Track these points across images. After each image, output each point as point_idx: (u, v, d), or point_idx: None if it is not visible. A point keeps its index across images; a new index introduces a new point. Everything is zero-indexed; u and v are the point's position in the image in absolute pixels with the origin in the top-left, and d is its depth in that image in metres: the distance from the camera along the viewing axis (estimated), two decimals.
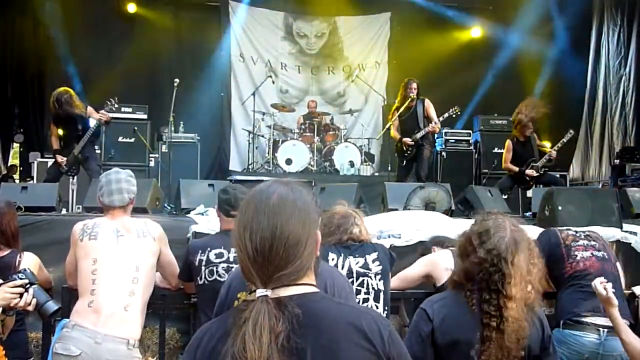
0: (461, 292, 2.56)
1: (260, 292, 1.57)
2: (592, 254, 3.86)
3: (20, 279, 2.88)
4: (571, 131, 8.69)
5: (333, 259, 3.46)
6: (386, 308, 3.53)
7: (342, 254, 3.48)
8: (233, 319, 1.57)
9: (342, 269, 3.44)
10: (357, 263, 3.48)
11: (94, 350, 3.34)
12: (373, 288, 3.48)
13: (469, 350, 2.47)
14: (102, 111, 7.66)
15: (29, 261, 3.91)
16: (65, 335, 3.39)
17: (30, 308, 2.90)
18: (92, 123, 7.64)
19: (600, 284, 3.21)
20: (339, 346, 1.57)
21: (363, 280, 3.47)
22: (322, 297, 1.68)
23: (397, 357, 1.63)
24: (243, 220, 1.64)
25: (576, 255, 3.85)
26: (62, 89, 7.63)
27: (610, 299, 3.16)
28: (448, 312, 2.54)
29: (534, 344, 2.52)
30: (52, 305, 2.94)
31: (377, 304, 3.48)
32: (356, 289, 3.44)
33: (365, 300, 3.46)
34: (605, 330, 3.57)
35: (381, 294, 3.50)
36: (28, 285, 2.89)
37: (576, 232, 4.03)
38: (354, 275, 3.46)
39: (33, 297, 2.89)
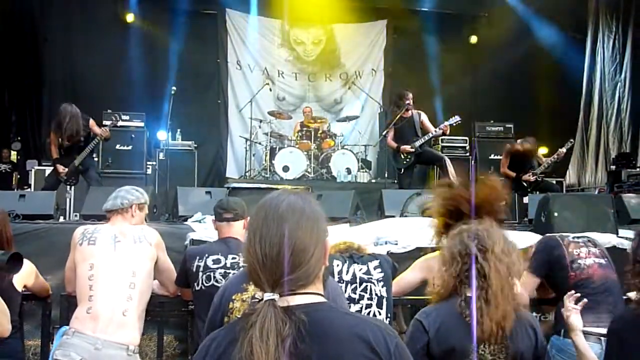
0: (454, 301, 2.59)
1: (268, 296, 1.59)
2: (594, 261, 3.81)
3: None
4: (571, 140, 8.76)
5: (338, 265, 3.49)
6: (389, 315, 3.55)
7: (347, 261, 3.52)
8: (240, 324, 1.59)
9: (346, 274, 3.48)
10: (360, 270, 3.52)
11: (94, 357, 3.37)
12: (376, 294, 3.50)
13: (463, 359, 2.50)
14: (104, 128, 7.70)
15: (24, 268, 3.91)
16: (66, 342, 3.42)
17: None
18: (95, 137, 7.67)
19: (569, 301, 3.14)
20: (344, 356, 1.58)
21: (366, 286, 3.49)
22: (329, 307, 1.69)
23: None
24: (253, 225, 1.68)
25: (579, 264, 3.80)
26: (66, 104, 7.63)
27: (572, 324, 3.09)
28: (443, 322, 2.56)
29: (526, 353, 2.55)
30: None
31: (379, 310, 3.50)
32: (359, 294, 3.46)
33: (368, 306, 3.48)
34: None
35: (384, 301, 3.52)
36: None
37: (576, 238, 3.96)
38: (358, 281, 3.49)
39: None
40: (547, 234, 4.21)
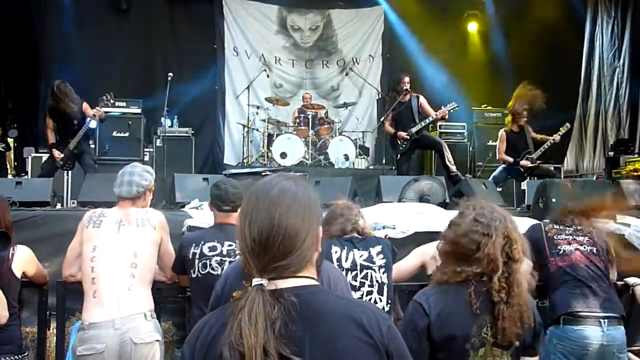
0: (459, 288, 2.53)
1: (256, 281, 1.59)
2: (576, 248, 3.81)
3: None
4: (567, 124, 8.74)
5: (336, 252, 3.47)
6: (389, 301, 3.54)
7: (346, 247, 3.50)
8: (230, 309, 1.59)
9: (345, 261, 3.46)
10: (361, 256, 3.50)
11: (116, 337, 3.43)
12: (377, 281, 3.50)
13: (464, 344, 2.48)
14: (97, 108, 7.65)
15: (22, 254, 3.92)
16: (84, 337, 3.46)
17: None
18: (91, 122, 7.60)
19: None
20: (337, 338, 1.58)
21: (367, 272, 3.48)
22: (321, 290, 1.69)
23: (395, 350, 1.64)
24: (245, 210, 1.67)
25: (559, 250, 3.81)
26: (59, 80, 7.58)
27: None
28: (444, 307, 2.52)
29: (527, 334, 2.54)
30: None
31: (380, 296, 3.49)
32: (360, 281, 3.45)
33: (369, 292, 3.47)
34: (606, 320, 3.57)
35: (385, 287, 3.52)
36: None
37: (563, 226, 3.94)
38: (358, 268, 3.48)
39: None
40: (541, 219, 4.21)
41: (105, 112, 7.89)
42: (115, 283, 3.54)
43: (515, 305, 2.48)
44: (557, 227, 3.95)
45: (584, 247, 3.83)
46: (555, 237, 3.88)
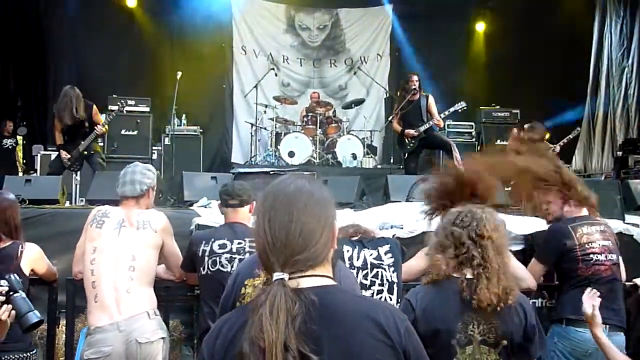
0: (447, 283, 2.62)
1: (277, 275, 1.60)
2: (606, 257, 3.76)
3: (0, 286, 2.59)
4: (578, 129, 8.73)
5: (348, 251, 3.48)
6: (399, 300, 3.55)
7: (357, 247, 3.51)
8: (251, 306, 1.60)
9: (357, 260, 3.47)
10: (371, 255, 3.51)
11: (122, 339, 3.47)
12: (387, 280, 3.50)
13: (449, 340, 2.53)
14: (102, 123, 7.64)
15: (31, 251, 3.94)
16: (91, 342, 3.51)
17: (3, 317, 2.57)
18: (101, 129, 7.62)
19: (589, 299, 3.12)
20: (355, 338, 1.59)
21: (377, 271, 3.49)
22: (339, 290, 1.72)
23: (413, 351, 1.66)
24: (262, 208, 1.70)
25: (591, 259, 3.75)
26: (69, 86, 7.56)
27: (595, 318, 3.07)
28: (430, 302, 2.60)
29: (516, 332, 2.57)
30: (32, 317, 2.60)
31: (390, 295, 3.50)
32: (370, 280, 3.46)
33: (380, 292, 3.48)
34: (608, 326, 3.56)
35: (394, 286, 3.52)
36: (11, 294, 2.58)
37: (588, 227, 3.84)
38: (369, 266, 3.48)
39: (12, 309, 2.57)
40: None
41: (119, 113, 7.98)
42: (113, 286, 3.58)
43: (493, 269, 2.58)
44: (587, 231, 3.82)
45: (613, 256, 3.79)
46: (587, 245, 3.77)
